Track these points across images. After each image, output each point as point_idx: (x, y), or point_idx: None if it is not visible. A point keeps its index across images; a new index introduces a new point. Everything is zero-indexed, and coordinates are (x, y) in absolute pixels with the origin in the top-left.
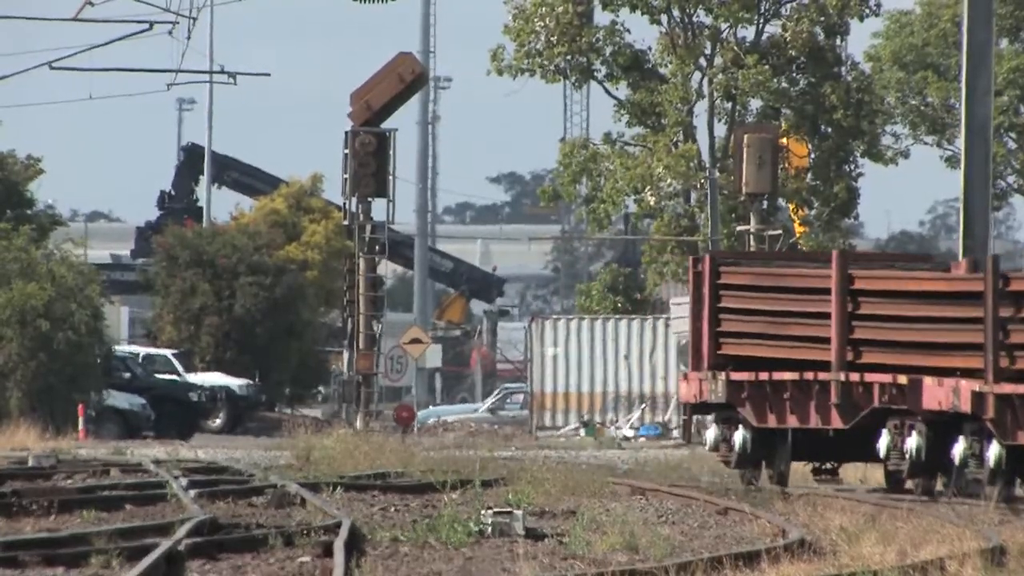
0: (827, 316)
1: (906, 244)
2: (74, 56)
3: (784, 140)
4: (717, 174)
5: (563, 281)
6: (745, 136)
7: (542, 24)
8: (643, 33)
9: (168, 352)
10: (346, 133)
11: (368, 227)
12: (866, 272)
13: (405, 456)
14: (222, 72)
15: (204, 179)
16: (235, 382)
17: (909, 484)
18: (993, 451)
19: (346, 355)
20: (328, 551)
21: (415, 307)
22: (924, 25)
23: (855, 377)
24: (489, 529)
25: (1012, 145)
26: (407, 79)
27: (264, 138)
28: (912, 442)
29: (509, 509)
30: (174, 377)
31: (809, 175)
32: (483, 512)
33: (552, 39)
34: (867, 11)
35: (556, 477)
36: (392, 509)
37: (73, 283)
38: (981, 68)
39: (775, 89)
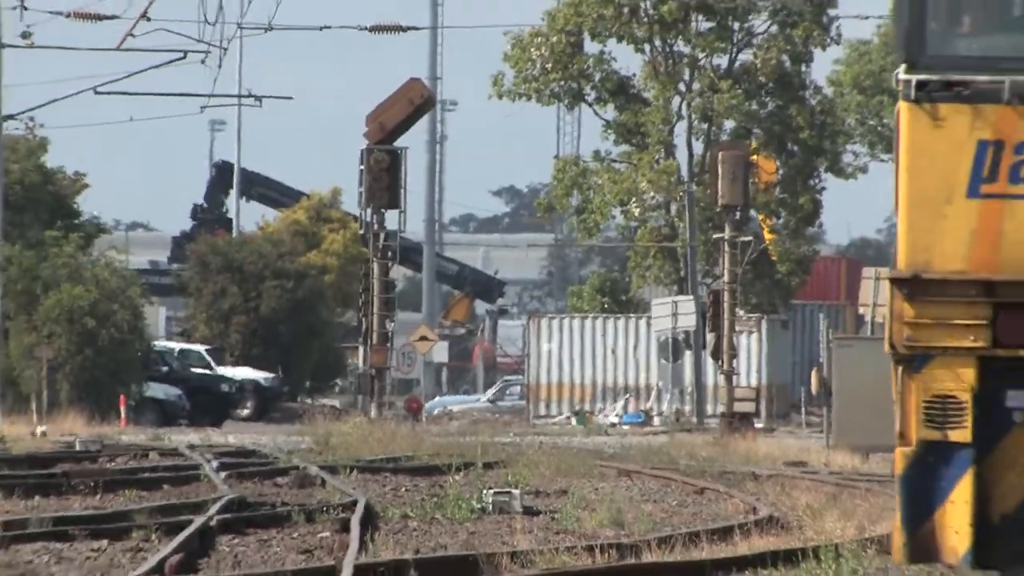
0: None
1: (865, 250)
2: (117, 82)
3: (755, 157)
4: (695, 188)
5: (557, 284)
6: (720, 153)
7: (538, 53)
8: (628, 61)
9: (201, 348)
10: (362, 151)
11: (381, 235)
12: None
13: (414, 442)
14: (249, 96)
15: (233, 193)
16: (261, 375)
17: None
18: None
19: (361, 351)
20: (345, 527)
21: (424, 307)
22: (881, 52)
23: None
24: (490, 506)
25: None
26: (416, 102)
27: (287, 156)
28: None
29: (508, 489)
30: (207, 370)
31: (777, 189)
32: (484, 491)
33: (547, 66)
34: (829, 40)
35: (550, 460)
36: (403, 489)
37: (115, 286)
38: None
39: (747, 111)
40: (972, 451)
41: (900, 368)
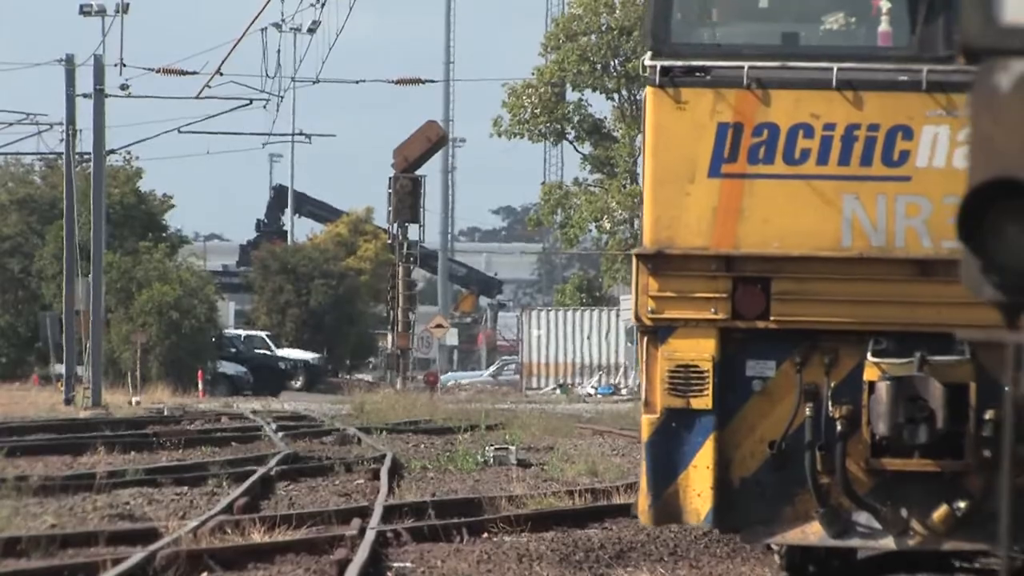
0: None
1: None
2: (196, 123)
3: None
4: None
5: (544, 283)
6: None
7: (529, 100)
8: (601, 107)
9: (263, 334)
10: (390, 178)
11: (405, 244)
12: None
13: (431, 408)
14: (300, 134)
15: (288, 211)
16: (310, 355)
17: None
18: None
19: (389, 336)
20: (376, 475)
21: (439, 301)
22: None
23: None
24: (491, 460)
25: None
26: (433, 140)
27: (331, 181)
28: None
29: (506, 445)
30: (267, 351)
31: None
32: (487, 448)
33: (536, 111)
34: None
35: (539, 423)
36: (422, 446)
37: (195, 285)
38: None
39: None
40: (713, 418)
41: (646, 339)
